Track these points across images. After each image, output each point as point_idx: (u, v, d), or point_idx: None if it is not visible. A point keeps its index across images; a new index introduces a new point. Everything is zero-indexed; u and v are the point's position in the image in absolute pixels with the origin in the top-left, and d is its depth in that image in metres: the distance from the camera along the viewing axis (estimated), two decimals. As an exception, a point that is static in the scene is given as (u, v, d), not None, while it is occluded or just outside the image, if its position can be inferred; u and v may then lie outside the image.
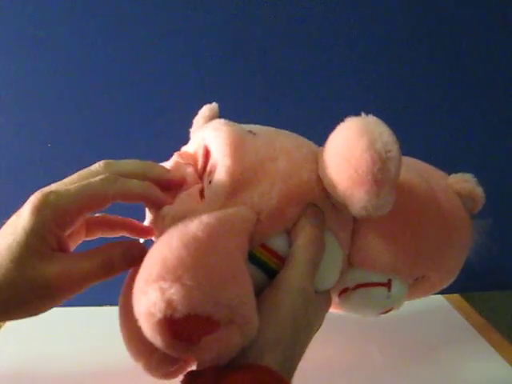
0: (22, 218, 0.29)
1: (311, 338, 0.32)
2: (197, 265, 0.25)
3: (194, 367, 0.29)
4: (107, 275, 0.30)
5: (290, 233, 0.32)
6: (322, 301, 0.34)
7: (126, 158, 0.57)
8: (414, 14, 0.58)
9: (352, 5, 0.57)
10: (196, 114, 0.40)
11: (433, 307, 0.58)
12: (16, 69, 0.56)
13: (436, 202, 0.37)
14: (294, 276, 0.31)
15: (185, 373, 0.28)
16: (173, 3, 0.55)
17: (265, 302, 0.30)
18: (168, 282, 0.24)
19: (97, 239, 0.36)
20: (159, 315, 0.23)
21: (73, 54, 0.56)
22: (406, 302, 0.58)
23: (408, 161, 0.39)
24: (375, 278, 0.36)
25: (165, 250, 0.25)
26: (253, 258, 0.31)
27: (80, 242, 0.35)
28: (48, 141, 0.57)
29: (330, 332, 0.43)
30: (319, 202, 0.33)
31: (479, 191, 0.39)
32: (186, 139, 0.40)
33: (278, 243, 0.32)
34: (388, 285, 0.36)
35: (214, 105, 0.40)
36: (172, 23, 0.56)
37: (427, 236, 0.36)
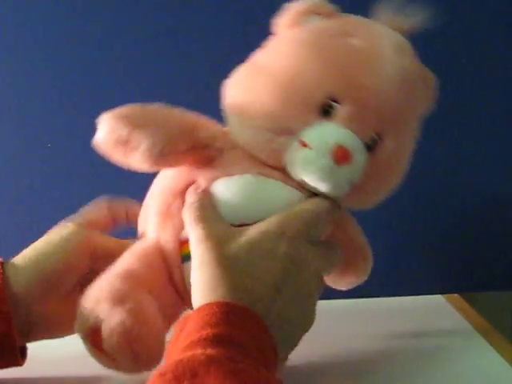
0: None
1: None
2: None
3: None
4: None
5: None
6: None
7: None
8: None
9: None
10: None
11: (433, 307, 0.58)
12: (16, 69, 0.56)
13: None
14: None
15: None
16: (173, 2, 0.55)
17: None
18: None
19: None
20: None
21: (73, 53, 0.56)
22: (406, 302, 0.58)
23: None
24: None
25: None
26: (189, 257, 0.34)
27: None
28: (48, 141, 0.57)
29: (328, 331, 0.43)
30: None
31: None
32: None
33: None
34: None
35: None
36: (172, 22, 0.56)
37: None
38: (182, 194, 0.36)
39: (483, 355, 0.47)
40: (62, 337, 0.41)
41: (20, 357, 0.38)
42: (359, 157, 0.34)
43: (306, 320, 0.34)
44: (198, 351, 0.25)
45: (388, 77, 0.34)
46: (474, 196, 0.62)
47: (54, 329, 0.40)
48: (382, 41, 0.35)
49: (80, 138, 0.58)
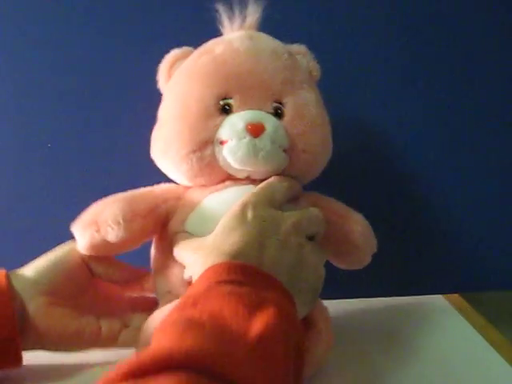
0: None
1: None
2: None
3: None
4: None
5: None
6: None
7: (125, 157, 0.58)
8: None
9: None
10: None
11: (433, 307, 0.58)
12: (16, 69, 0.56)
13: None
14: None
15: None
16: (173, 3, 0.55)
17: None
18: None
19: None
20: None
21: (73, 53, 0.56)
22: (406, 302, 0.58)
23: None
24: None
25: None
26: None
27: None
28: (48, 141, 0.57)
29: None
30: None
31: None
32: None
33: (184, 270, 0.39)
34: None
35: None
36: (171, 23, 0.56)
37: None
38: (170, 248, 0.40)
39: (483, 355, 0.47)
40: (55, 350, 0.42)
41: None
42: (271, 123, 0.40)
43: (310, 266, 0.36)
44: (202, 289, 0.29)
45: (250, 58, 0.41)
46: (474, 196, 0.62)
47: (48, 338, 0.40)
48: (233, 39, 0.43)
49: (80, 138, 0.59)
